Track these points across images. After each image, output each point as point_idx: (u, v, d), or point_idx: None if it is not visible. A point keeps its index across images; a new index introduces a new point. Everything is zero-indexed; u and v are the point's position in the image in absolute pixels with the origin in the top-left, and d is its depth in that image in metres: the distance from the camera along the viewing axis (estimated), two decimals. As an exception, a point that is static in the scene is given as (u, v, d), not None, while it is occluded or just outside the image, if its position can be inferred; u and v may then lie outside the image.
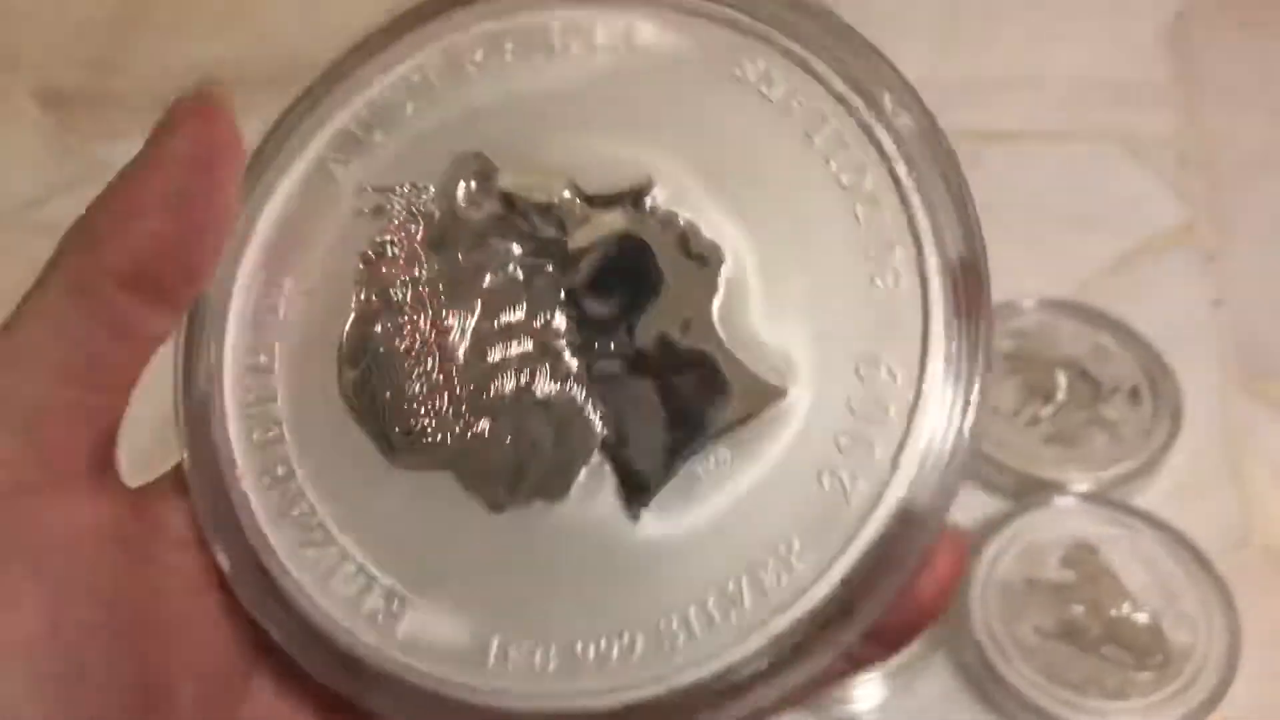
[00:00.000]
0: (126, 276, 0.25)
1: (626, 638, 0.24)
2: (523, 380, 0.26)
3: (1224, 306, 0.62)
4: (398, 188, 0.27)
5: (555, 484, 0.25)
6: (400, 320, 0.26)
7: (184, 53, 0.75)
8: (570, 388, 0.26)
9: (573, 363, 0.26)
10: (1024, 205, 0.65)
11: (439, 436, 0.26)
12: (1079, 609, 0.52)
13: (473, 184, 0.26)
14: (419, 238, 0.26)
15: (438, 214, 0.27)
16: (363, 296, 0.26)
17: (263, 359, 0.27)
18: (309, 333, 0.27)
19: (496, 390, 0.26)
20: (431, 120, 0.27)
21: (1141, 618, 0.52)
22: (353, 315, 0.26)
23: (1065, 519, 0.55)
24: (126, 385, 0.26)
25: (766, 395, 0.25)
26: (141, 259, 0.25)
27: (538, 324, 0.26)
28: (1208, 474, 0.57)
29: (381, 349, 0.26)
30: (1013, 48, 0.72)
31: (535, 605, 0.25)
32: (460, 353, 0.26)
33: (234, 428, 0.26)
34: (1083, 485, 0.56)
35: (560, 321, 0.26)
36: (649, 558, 0.25)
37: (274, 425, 0.26)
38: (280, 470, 0.26)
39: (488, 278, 0.26)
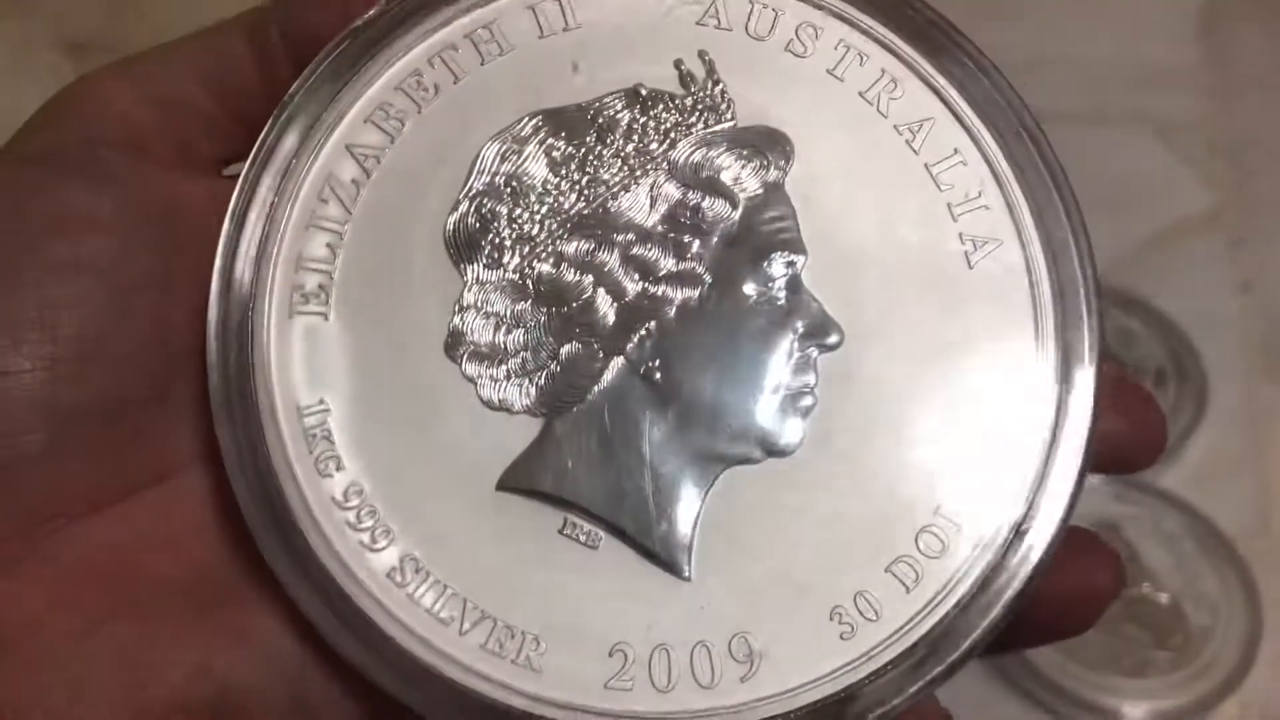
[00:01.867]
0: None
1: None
2: None
3: (1250, 292, 0.62)
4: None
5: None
6: None
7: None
8: None
9: None
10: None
11: None
12: (1100, 587, 0.52)
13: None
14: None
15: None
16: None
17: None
18: None
19: None
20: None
21: (1162, 598, 0.52)
22: None
23: (1088, 498, 0.54)
24: (252, 122, 0.27)
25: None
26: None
27: None
28: (1231, 458, 0.57)
29: None
30: (1043, 29, 0.72)
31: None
32: None
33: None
34: (1104, 466, 0.56)
35: None
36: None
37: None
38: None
39: None
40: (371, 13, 0.27)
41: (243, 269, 0.26)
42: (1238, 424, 0.57)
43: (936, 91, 0.27)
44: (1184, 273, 0.63)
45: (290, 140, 0.27)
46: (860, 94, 0.27)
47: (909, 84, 0.27)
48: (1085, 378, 0.25)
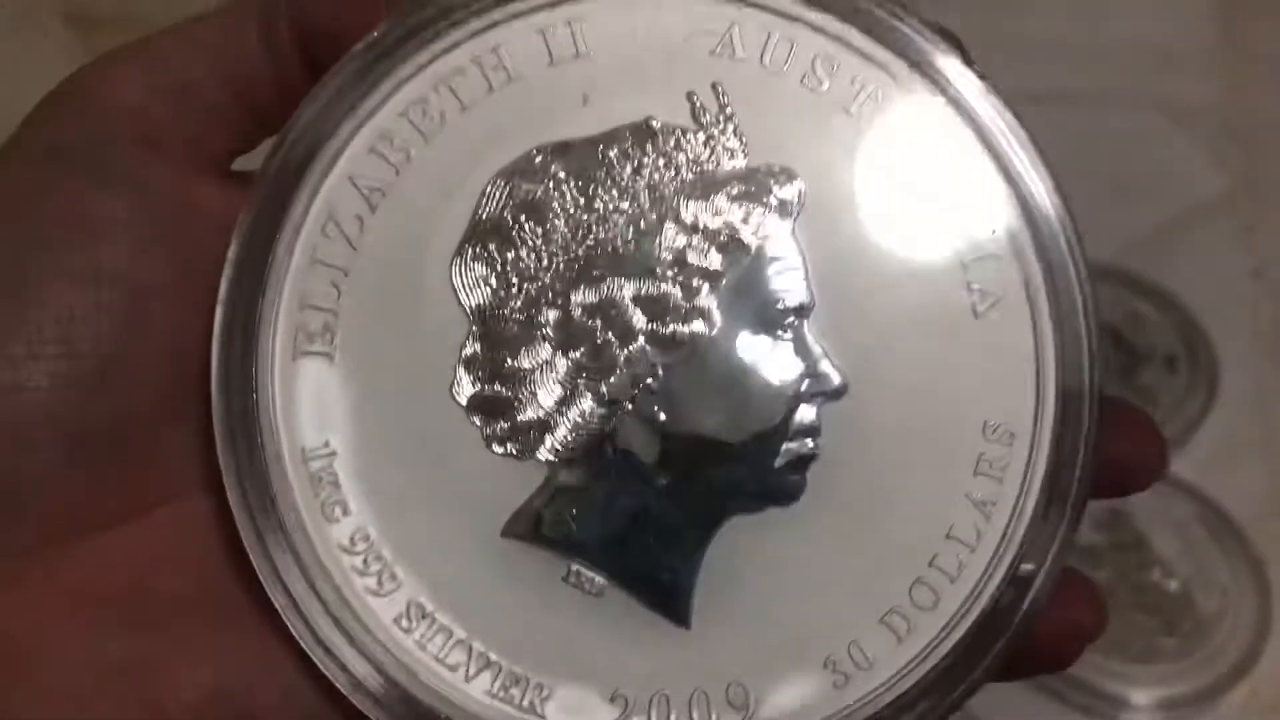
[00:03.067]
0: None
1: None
2: None
3: (1263, 277, 0.61)
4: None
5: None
6: None
7: (214, -22, 0.74)
8: None
9: None
10: (1064, 168, 0.64)
11: None
12: (1109, 573, 0.52)
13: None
14: None
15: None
16: None
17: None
18: None
19: None
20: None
21: (1172, 584, 0.52)
22: None
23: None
24: (263, 113, 0.27)
25: None
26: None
27: None
28: (1242, 445, 0.56)
29: None
30: (1058, 9, 0.71)
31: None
32: None
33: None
34: (1114, 451, 0.55)
35: None
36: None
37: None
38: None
39: None
40: (375, 33, 0.26)
41: (246, 309, 0.26)
42: (1249, 410, 0.57)
43: (954, 137, 0.26)
44: (1196, 258, 0.62)
45: (292, 170, 0.26)
46: (875, 134, 0.26)
47: (926, 130, 0.26)
48: (1084, 423, 0.25)
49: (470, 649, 0.25)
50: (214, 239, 0.26)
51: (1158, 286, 0.60)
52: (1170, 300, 0.60)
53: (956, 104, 0.26)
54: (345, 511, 0.25)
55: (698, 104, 0.26)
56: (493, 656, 0.25)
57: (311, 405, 0.25)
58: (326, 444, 0.25)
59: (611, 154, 0.26)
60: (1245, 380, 0.58)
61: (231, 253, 0.25)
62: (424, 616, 0.25)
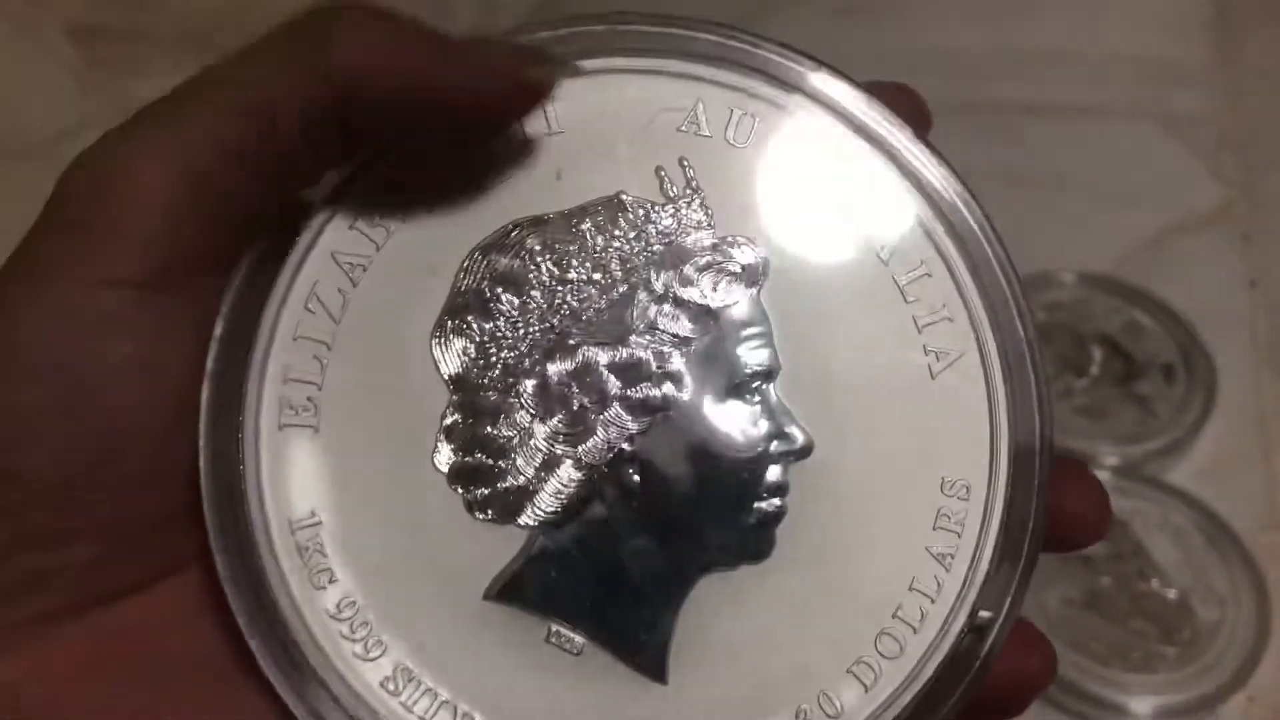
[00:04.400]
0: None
1: None
2: None
3: (1259, 287, 0.62)
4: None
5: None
6: None
7: (216, -9, 0.74)
8: None
9: None
10: (1063, 179, 0.65)
11: None
12: (1107, 581, 0.52)
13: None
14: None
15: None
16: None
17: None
18: None
19: None
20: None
21: (1170, 593, 0.52)
22: None
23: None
24: (259, 211, 0.26)
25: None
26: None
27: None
28: (1240, 454, 0.56)
29: None
30: (1056, 22, 0.71)
31: None
32: None
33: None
34: (1112, 459, 0.56)
35: None
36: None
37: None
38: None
39: None
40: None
41: (232, 383, 0.26)
42: (1246, 419, 0.57)
43: (910, 207, 0.27)
44: (1193, 267, 0.63)
45: (275, 248, 0.26)
46: (835, 204, 0.27)
47: (883, 199, 0.27)
48: (1035, 476, 0.26)
49: (456, 709, 0.26)
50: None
51: (1155, 296, 0.60)
52: (1168, 310, 0.60)
53: (915, 179, 0.27)
54: (332, 579, 0.26)
55: (665, 179, 0.27)
56: (478, 717, 0.26)
57: (297, 476, 0.26)
58: (312, 514, 0.26)
59: (584, 227, 0.27)
60: (1243, 389, 0.58)
61: (218, 330, 0.26)
62: (410, 679, 0.26)
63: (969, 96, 0.66)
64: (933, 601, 0.26)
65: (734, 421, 0.26)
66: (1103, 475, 0.55)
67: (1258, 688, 0.49)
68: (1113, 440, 0.56)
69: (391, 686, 0.26)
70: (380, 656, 0.26)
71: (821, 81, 0.27)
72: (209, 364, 0.26)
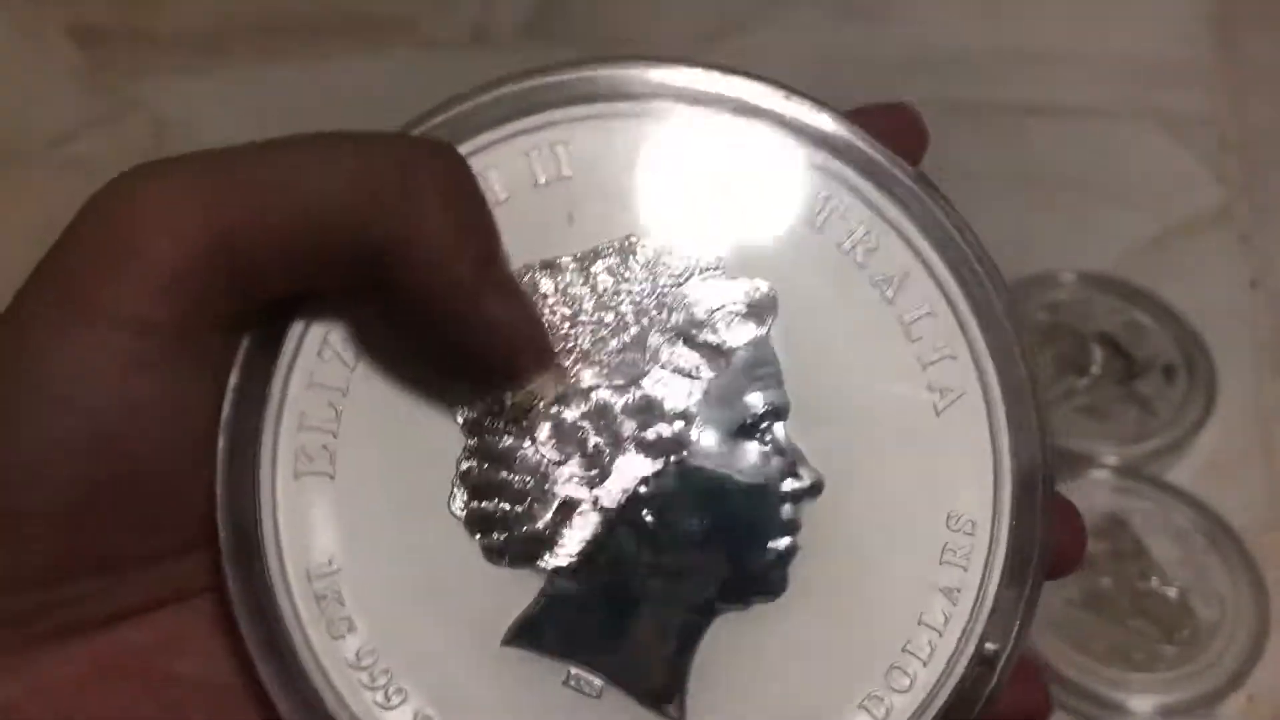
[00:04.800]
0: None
1: None
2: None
3: (1260, 288, 0.62)
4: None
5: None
6: None
7: (219, -8, 0.74)
8: None
9: None
10: (1065, 179, 0.65)
11: None
12: (1107, 581, 0.52)
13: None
14: None
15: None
16: None
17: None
18: None
19: None
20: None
21: (1170, 592, 0.52)
22: None
23: (1097, 491, 0.55)
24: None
25: None
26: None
27: None
28: (1240, 453, 0.57)
29: None
30: (1058, 22, 0.72)
31: None
32: None
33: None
34: (1113, 459, 0.56)
35: None
36: None
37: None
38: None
39: None
40: None
41: (248, 434, 0.26)
42: (1247, 419, 0.57)
43: (913, 247, 0.27)
44: (1194, 268, 0.63)
45: (281, 306, 0.26)
46: (838, 245, 0.27)
47: (886, 239, 0.27)
48: (1037, 509, 0.27)
49: None
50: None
51: (1156, 296, 0.60)
52: (1168, 310, 0.60)
53: (914, 216, 0.28)
54: (350, 628, 0.26)
55: (673, 221, 0.27)
56: None
57: (314, 525, 0.26)
58: (330, 562, 0.26)
59: (595, 269, 0.27)
60: (1244, 389, 0.58)
61: (233, 380, 0.26)
62: None
63: (970, 96, 0.66)
64: (940, 635, 0.26)
65: (746, 461, 0.27)
66: (1103, 475, 0.55)
67: (1257, 687, 0.49)
68: (1113, 440, 0.56)
69: None
70: (401, 704, 0.26)
71: (824, 123, 0.28)
72: (224, 411, 0.26)
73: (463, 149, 0.26)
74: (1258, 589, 0.51)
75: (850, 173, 0.27)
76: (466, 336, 0.25)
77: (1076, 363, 0.59)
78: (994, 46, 0.69)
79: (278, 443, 0.26)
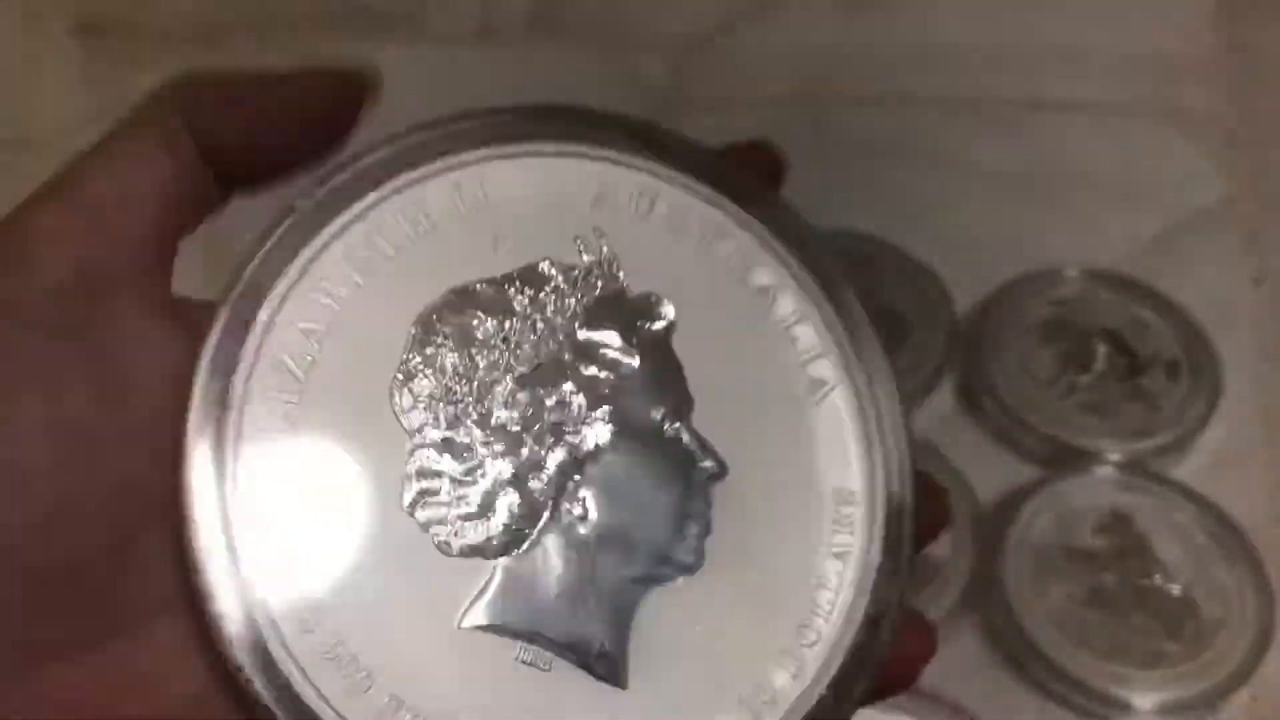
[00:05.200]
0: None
1: None
2: None
3: (1265, 284, 0.62)
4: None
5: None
6: None
7: (221, -14, 0.74)
8: None
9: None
10: (1068, 175, 0.64)
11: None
12: (1111, 577, 0.52)
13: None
14: None
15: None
16: None
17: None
18: None
19: None
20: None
21: (1174, 589, 0.52)
22: None
23: (1100, 487, 0.54)
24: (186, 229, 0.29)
25: None
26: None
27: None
28: (1244, 450, 0.56)
29: None
30: (1062, 17, 0.71)
31: None
32: None
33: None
34: (1116, 455, 0.56)
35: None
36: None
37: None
38: None
39: None
40: (302, 201, 0.30)
41: (205, 450, 0.28)
42: (1251, 415, 0.57)
43: (785, 265, 0.32)
44: (1199, 264, 0.63)
45: (240, 320, 0.29)
46: (724, 263, 0.32)
47: (761, 258, 0.32)
48: (908, 479, 0.31)
49: None
50: (161, 373, 0.28)
51: (1160, 292, 0.60)
52: (1172, 306, 0.60)
53: (786, 243, 0.32)
54: (319, 621, 0.28)
55: (581, 246, 0.31)
56: None
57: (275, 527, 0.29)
58: (297, 564, 0.29)
59: (513, 291, 0.31)
60: (1247, 386, 0.58)
61: (191, 397, 0.28)
62: (401, 708, 0.28)
63: (974, 92, 0.66)
64: (837, 594, 0.30)
65: (662, 452, 0.31)
66: (1107, 471, 0.55)
67: (1261, 684, 0.49)
68: (1117, 436, 0.56)
69: (389, 717, 0.28)
70: (371, 688, 0.28)
71: (695, 163, 0.32)
72: (185, 430, 0.28)
73: (395, 182, 0.31)
74: (1261, 586, 0.51)
75: (728, 201, 0.32)
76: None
77: (1080, 359, 0.58)
78: (998, 42, 0.69)
79: (238, 456, 0.29)
